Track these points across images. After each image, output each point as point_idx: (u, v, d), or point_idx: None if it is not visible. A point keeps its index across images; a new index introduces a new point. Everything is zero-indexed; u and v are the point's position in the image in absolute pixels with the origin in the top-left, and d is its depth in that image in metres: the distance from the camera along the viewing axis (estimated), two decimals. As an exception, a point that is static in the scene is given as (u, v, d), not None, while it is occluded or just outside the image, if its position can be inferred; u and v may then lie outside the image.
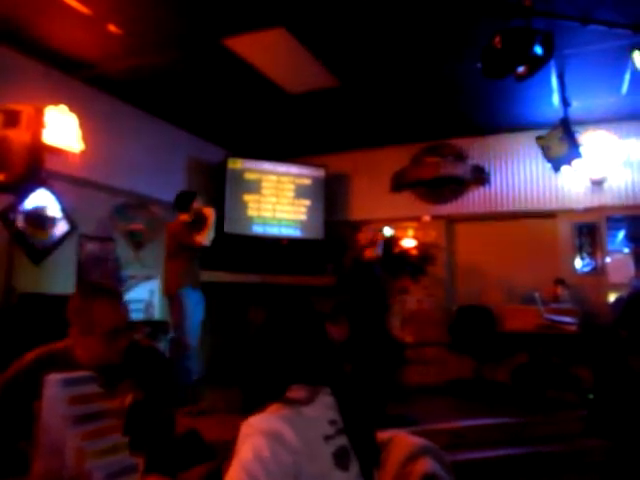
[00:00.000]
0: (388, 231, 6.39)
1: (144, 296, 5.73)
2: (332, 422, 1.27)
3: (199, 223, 4.68)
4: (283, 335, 1.41)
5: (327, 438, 1.23)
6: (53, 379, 1.07)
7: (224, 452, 1.26)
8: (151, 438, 1.69)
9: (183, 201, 4.82)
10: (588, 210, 6.14)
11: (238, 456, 1.13)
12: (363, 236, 5.24)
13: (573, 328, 5.19)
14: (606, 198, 6.09)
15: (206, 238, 4.62)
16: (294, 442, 1.16)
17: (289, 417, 1.21)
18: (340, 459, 1.22)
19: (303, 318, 1.45)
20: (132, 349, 1.95)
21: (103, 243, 5.35)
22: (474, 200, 6.71)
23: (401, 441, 1.57)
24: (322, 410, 1.28)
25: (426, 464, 1.49)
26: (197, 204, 4.79)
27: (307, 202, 7.09)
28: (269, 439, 1.14)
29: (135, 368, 1.90)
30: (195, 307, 4.59)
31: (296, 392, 1.30)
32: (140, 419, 1.74)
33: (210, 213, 4.72)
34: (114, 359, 1.84)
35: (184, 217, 4.74)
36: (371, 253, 5.03)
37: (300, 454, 1.15)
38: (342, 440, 1.27)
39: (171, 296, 4.62)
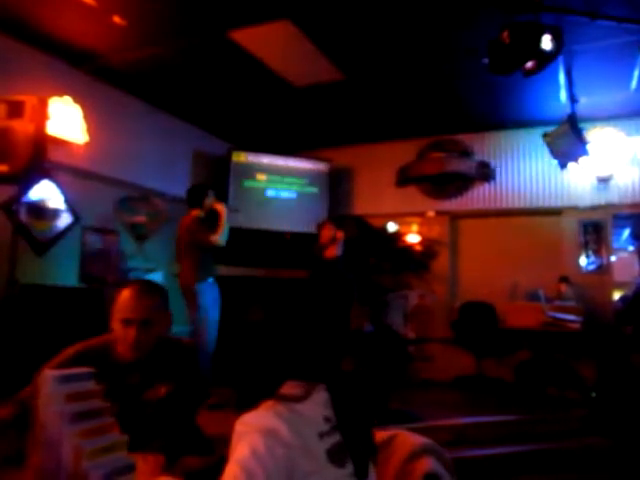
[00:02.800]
0: (392, 226, 6.38)
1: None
2: (327, 419, 1.26)
3: (212, 220, 4.55)
4: (279, 331, 1.40)
5: (321, 435, 1.23)
6: (49, 375, 1.05)
7: (223, 447, 1.25)
8: (177, 429, 1.73)
9: (195, 196, 4.67)
10: (594, 208, 6.10)
11: (234, 454, 1.13)
12: (325, 233, 5.27)
13: (576, 326, 5.17)
14: (612, 196, 6.04)
15: (221, 238, 4.48)
16: (288, 438, 1.15)
17: (283, 414, 1.21)
18: (335, 456, 1.22)
19: (298, 316, 1.44)
20: (163, 343, 1.98)
21: (106, 235, 5.34)
22: (479, 196, 6.68)
23: (403, 439, 1.57)
24: (317, 407, 1.28)
25: (427, 463, 1.48)
26: (209, 200, 4.65)
27: (311, 196, 7.07)
28: (264, 436, 1.14)
29: (167, 362, 1.94)
30: (214, 303, 4.50)
31: (290, 388, 1.29)
32: (172, 410, 1.81)
33: (222, 210, 4.58)
34: (133, 350, 1.86)
35: (196, 212, 4.59)
36: (331, 253, 5.05)
37: (294, 449, 1.15)
38: (338, 437, 1.26)
39: (188, 291, 4.49)
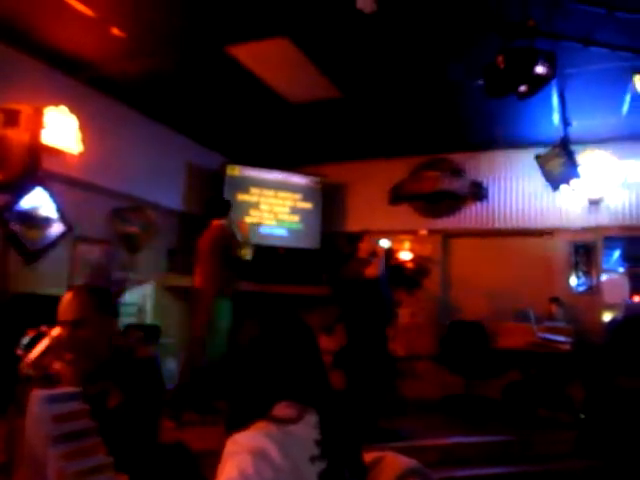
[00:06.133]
0: (385, 243, 6.38)
1: (136, 300, 5.69)
2: (318, 442, 1.25)
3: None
4: (273, 352, 1.39)
5: (313, 459, 1.21)
6: (38, 395, 1.05)
7: (210, 464, 1.24)
8: (132, 444, 1.69)
9: (220, 207, 4.86)
10: (585, 229, 6.15)
11: (222, 474, 1.12)
12: (364, 246, 5.09)
13: (566, 347, 5.18)
14: (603, 218, 6.10)
15: (249, 252, 4.70)
16: (279, 461, 1.14)
17: (275, 436, 1.19)
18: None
19: (294, 335, 1.43)
20: (118, 354, 1.97)
21: (98, 245, 5.32)
22: (471, 216, 6.71)
23: (391, 461, 1.56)
24: (309, 430, 1.26)
25: (414, 486, 1.48)
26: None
27: (304, 211, 7.08)
28: (254, 457, 1.13)
29: (119, 372, 1.91)
30: (225, 319, 4.51)
31: (283, 410, 1.28)
32: (122, 422, 1.74)
33: (244, 226, 4.83)
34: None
35: (221, 222, 4.73)
36: (373, 271, 4.89)
37: (283, 472, 1.13)
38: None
39: (205, 303, 4.53)
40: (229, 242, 4.62)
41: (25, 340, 1.83)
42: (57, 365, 1.83)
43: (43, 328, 1.91)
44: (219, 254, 4.59)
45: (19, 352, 1.81)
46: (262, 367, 1.36)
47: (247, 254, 4.66)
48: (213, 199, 4.94)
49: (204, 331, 4.50)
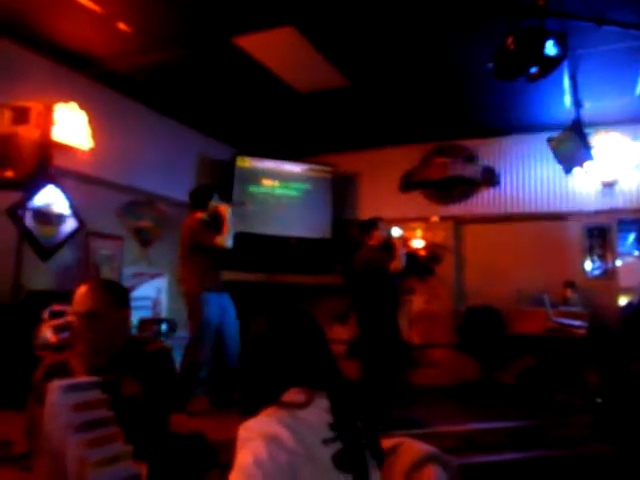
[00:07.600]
0: (397, 231, 6.35)
1: (151, 294, 5.73)
2: (332, 425, 1.27)
3: (216, 222, 4.43)
4: (282, 340, 1.42)
5: (326, 441, 1.23)
6: (57, 385, 1.06)
7: (228, 453, 1.26)
8: (147, 433, 1.72)
9: (199, 197, 4.56)
10: (599, 212, 6.08)
11: (237, 461, 1.14)
12: (377, 234, 5.02)
13: (582, 331, 5.15)
14: (617, 201, 6.02)
15: (227, 239, 4.31)
16: (291, 444, 1.16)
17: (286, 420, 1.22)
18: (341, 462, 1.22)
19: (298, 326, 1.46)
20: (132, 345, 2.01)
21: (111, 240, 5.36)
22: (483, 201, 6.66)
23: (409, 448, 1.56)
24: (320, 413, 1.29)
25: (433, 472, 1.48)
26: (214, 202, 4.51)
27: (315, 201, 7.07)
28: (267, 442, 1.15)
29: (135, 363, 1.95)
30: (219, 315, 4.38)
31: (293, 395, 1.31)
32: (137, 411, 1.77)
33: (225, 211, 4.41)
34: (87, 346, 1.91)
35: (200, 214, 4.46)
36: (398, 265, 4.84)
37: (297, 455, 1.16)
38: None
39: (191, 300, 4.37)
40: (197, 234, 4.36)
41: (50, 310, 1.89)
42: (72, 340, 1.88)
43: (66, 308, 1.97)
44: (190, 249, 4.39)
45: (45, 316, 1.88)
46: (270, 357, 1.41)
47: (225, 241, 4.29)
48: (194, 191, 4.63)
49: (194, 328, 4.38)
